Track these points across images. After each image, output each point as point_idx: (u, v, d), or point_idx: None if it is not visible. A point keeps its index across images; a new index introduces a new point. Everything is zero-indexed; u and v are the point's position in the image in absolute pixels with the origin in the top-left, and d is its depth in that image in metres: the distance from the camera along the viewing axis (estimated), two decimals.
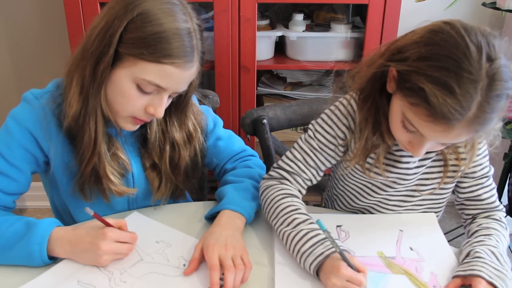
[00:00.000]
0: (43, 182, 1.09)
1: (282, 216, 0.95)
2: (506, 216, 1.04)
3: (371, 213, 1.10)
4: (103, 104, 0.92)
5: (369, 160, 1.01)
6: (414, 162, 1.00)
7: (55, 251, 0.88)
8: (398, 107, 0.85)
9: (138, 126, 0.98)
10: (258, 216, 1.05)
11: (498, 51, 0.76)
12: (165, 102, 0.92)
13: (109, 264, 0.89)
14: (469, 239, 0.95)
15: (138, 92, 0.89)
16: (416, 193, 1.05)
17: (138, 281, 0.86)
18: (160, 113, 0.91)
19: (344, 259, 0.83)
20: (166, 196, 1.08)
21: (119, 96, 0.91)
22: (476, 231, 0.98)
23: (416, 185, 1.04)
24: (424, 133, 0.82)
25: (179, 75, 0.88)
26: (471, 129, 0.79)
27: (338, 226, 1.02)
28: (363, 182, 1.07)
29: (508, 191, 1.89)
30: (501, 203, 1.96)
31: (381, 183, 1.04)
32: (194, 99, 1.09)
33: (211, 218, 1.01)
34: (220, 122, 1.18)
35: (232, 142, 1.18)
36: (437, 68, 0.76)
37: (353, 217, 1.07)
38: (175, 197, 1.11)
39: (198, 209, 1.09)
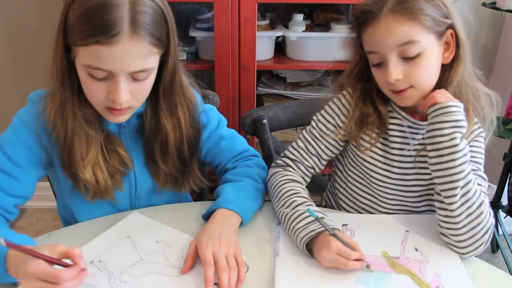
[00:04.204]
0: (52, 183, 1.10)
1: (284, 199, 1.01)
2: (506, 217, 1.04)
3: (372, 207, 1.11)
4: (73, 100, 0.92)
5: (364, 143, 1.06)
6: (409, 150, 1.03)
7: (12, 272, 0.79)
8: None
9: (122, 117, 0.95)
10: (258, 216, 1.05)
11: None
12: (122, 85, 0.87)
13: (109, 264, 0.89)
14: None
15: (93, 80, 0.87)
16: (415, 188, 1.06)
17: (138, 281, 0.86)
18: (119, 97, 0.87)
19: (336, 237, 0.88)
20: (170, 186, 1.07)
21: (84, 88, 0.91)
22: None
23: (416, 173, 1.05)
24: (373, 45, 0.95)
25: (111, 53, 0.83)
26: (398, 11, 0.90)
27: (344, 225, 1.02)
28: (361, 171, 1.09)
29: (508, 191, 1.88)
30: (501, 203, 1.96)
31: (378, 168, 1.06)
32: (198, 97, 1.08)
33: (208, 217, 1.01)
34: (224, 122, 1.17)
35: (234, 142, 1.18)
36: None
37: (359, 217, 1.07)
38: (178, 187, 1.09)
39: (198, 209, 1.09)
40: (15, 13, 1.96)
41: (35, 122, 0.95)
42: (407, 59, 0.93)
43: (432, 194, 1.06)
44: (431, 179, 1.03)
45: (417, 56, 0.92)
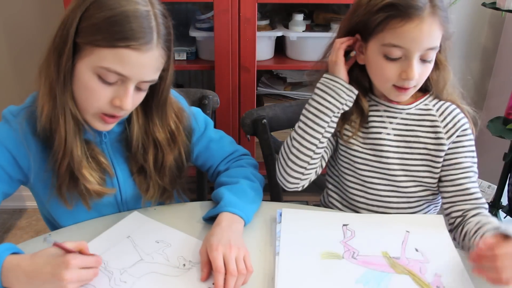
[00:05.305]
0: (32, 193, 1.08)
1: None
2: (506, 217, 1.04)
3: (360, 196, 1.12)
4: (70, 103, 0.90)
5: (346, 132, 1.10)
6: (388, 134, 1.07)
7: (9, 282, 0.81)
8: (375, 48, 0.97)
9: (110, 125, 0.94)
10: (258, 216, 1.05)
11: None
12: (131, 92, 0.87)
13: (109, 264, 0.89)
14: (477, 232, 0.95)
15: (101, 83, 0.86)
16: (398, 167, 1.08)
17: (138, 281, 0.86)
18: (127, 104, 0.87)
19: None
20: (156, 198, 1.07)
21: (83, 90, 0.88)
22: (479, 228, 0.96)
23: (399, 158, 1.08)
24: (405, 41, 0.93)
25: (138, 59, 0.84)
26: (437, 16, 0.92)
27: (344, 225, 1.02)
28: (347, 160, 1.12)
29: (508, 191, 1.88)
30: (501, 203, 1.95)
31: (360, 152, 1.10)
32: (183, 101, 1.08)
33: (208, 219, 1.01)
34: (211, 123, 1.17)
35: (224, 143, 1.17)
36: None
37: (360, 217, 1.08)
38: (164, 198, 1.09)
39: (198, 209, 1.09)
40: (16, 14, 1.96)
41: (8, 140, 0.93)
42: (423, 61, 0.97)
43: (426, 177, 1.08)
44: (420, 159, 1.07)
45: (430, 61, 0.98)
